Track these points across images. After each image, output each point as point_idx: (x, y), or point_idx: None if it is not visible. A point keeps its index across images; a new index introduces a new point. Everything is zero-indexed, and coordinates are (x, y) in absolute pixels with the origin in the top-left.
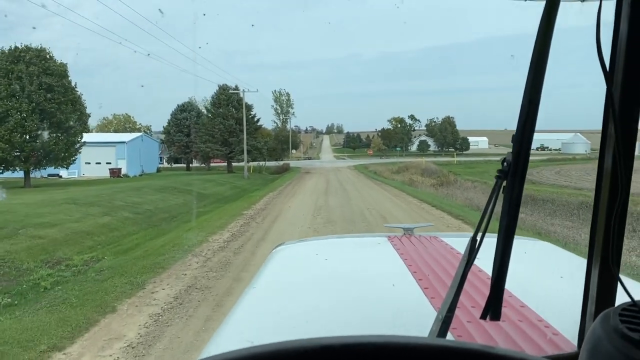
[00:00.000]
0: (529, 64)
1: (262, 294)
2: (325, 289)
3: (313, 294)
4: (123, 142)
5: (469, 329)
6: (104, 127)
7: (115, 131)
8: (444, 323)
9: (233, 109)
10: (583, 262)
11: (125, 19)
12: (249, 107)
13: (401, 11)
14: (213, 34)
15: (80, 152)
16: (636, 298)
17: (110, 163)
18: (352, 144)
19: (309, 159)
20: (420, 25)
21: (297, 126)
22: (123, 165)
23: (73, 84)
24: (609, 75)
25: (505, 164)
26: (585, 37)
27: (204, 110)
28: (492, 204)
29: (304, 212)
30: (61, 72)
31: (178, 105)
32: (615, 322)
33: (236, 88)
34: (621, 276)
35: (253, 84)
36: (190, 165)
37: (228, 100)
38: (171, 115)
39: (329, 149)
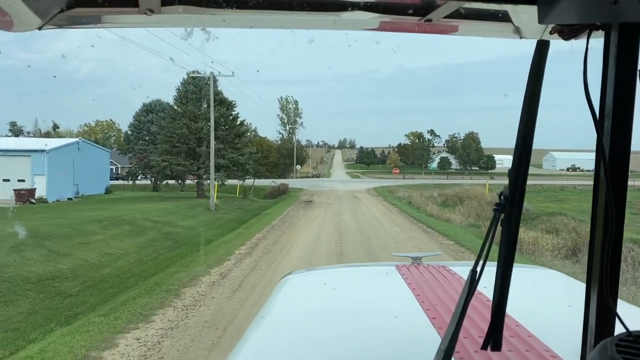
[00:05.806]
0: (521, 102)
1: (271, 324)
2: (333, 319)
3: (321, 325)
4: (41, 151)
5: (475, 359)
6: (84, 135)
7: (96, 141)
8: (446, 354)
9: (207, 106)
10: None
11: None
12: (227, 104)
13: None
14: (227, 51)
15: None
16: (638, 326)
17: (23, 181)
18: (366, 159)
19: (317, 176)
20: (438, 42)
21: (308, 140)
22: (41, 184)
23: None
24: (599, 123)
25: (502, 197)
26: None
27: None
28: (490, 236)
29: None
30: None
31: (144, 104)
32: (612, 353)
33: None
34: (625, 302)
35: (265, 99)
36: (159, 182)
37: (199, 94)
38: (134, 117)
39: (341, 164)
